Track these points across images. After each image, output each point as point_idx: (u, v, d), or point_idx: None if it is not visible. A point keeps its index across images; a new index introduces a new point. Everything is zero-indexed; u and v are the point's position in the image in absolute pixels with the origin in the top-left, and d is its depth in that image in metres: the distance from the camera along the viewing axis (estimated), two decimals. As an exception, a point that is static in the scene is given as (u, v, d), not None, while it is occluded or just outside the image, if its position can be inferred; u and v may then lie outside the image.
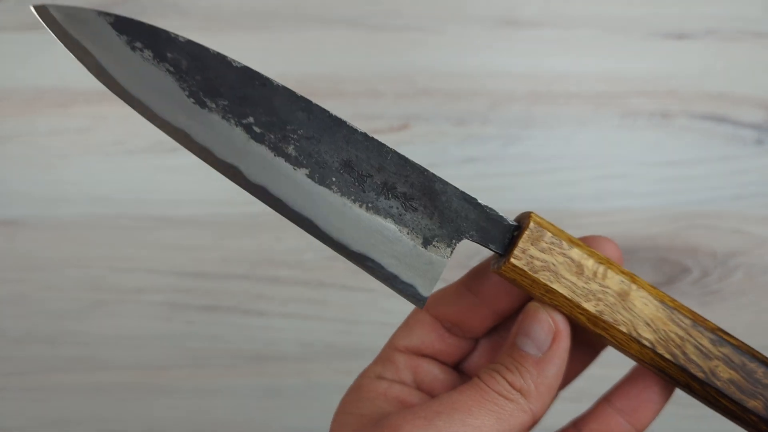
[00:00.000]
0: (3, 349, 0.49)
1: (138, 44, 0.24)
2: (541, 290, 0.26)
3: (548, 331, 0.26)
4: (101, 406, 0.49)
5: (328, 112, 0.25)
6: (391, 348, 0.29)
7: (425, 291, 0.25)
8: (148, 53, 0.24)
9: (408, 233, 0.25)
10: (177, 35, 0.24)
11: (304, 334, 0.49)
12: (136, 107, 0.23)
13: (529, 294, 0.26)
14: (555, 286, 0.26)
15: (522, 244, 0.25)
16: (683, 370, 0.26)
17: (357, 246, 0.25)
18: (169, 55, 0.24)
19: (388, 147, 0.26)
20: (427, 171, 0.26)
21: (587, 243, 0.28)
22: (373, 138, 0.26)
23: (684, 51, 0.51)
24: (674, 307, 0.26)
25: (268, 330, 0.49)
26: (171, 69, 0.24)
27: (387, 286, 0.26)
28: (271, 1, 0.51)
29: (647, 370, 0.28)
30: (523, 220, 0.26)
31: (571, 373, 0.30)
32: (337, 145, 0.25)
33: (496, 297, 0.28)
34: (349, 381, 0.29)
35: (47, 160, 0.50)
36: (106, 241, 0.49)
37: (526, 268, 0.25)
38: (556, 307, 0.26)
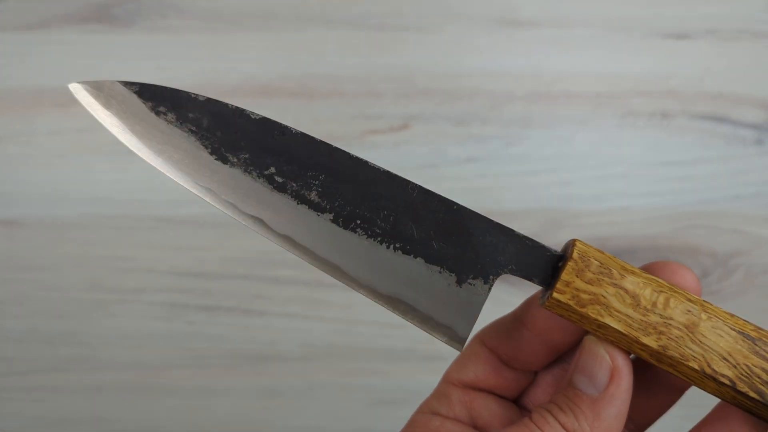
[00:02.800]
0: (3, 349, 0.49)
1: (161, 108, 0.24)
2: (592, 325, 0.24)
3: (606, 368, 0.24)
4: (101, 406, 0.49)
5: (348, 154, 0.24)
6: (445, 382, 0.28)
7: (463, 332, 0.24)
8: (171, 116, 0.24)
9: (440, 272, 0.24)
10: (197, 95, 0.24)
11: (304, 334, 0.49)
12: (165, 170, 0.24)
13: (582, 328, 0.24)
14: (607, 320, 0.23)
15: (565, 276, 0.23)
16: None
17: (387, 289, 0.24)
18: (190, 115, 0.24)
19: (413, 183, 0.25)
20: (456, 204, 0.25)
21: (655, 269, 0.25)
22: (396, 176, 0.25)
23: (684, 51, 0.51)
24: (758, 336, 0.23)
25: (268, 330, 0.49)
26: (193, 128, 0.24)
27: (423, 329, 0.24)
28: (271, 1, 0.51)
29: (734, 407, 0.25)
30: (568, 249, 0.24)
31: (649, 414, 0.28)
32: (360, 186, 0.25)
33: (548, 330, 0.26)
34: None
35: (47, 160, 0.50)
36: (106, 241, 0.49)
37: (572, 303, 0.23)
38: (614, 343, 0.24)
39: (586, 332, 0.25)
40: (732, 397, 0.24)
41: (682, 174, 0.50)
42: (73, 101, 0.53)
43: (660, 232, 0.50)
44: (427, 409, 0.27)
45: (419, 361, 0.49)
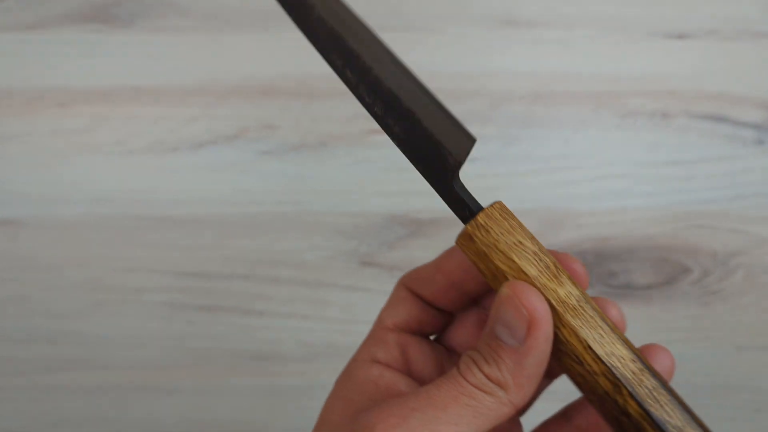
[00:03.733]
0: (3, 349, 0.49)
1: None
2: (501, 264, 0.24)
3: (523, 320, 0.24)
4: (101, 406, 0.49)
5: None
6: (380, 327, 0.29)
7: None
8: None
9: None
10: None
11: (304, 334, 0.49)
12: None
13: (491, 275, 0.25)
14: (515, 259, 0.24)
15: (480, 218, 0.24)
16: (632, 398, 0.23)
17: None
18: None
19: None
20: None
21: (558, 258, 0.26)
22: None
23: (684, 51, 0.51)
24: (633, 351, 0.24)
25: (268, 330, 0.49)
26: None
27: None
28: (271, 1, 0.51)
29: None
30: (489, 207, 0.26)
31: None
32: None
33: (461, 280, 0.27)
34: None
35: (47, 160, 0.50)
36: (106, 241, 0.49)
37: (479, 238, 0.24)
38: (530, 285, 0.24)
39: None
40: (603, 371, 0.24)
41: (682, 174, 0.50)
42: (73, 101, 0.53)
43: (660, 232, 0.50)
44: (366, 356, 0.28)
45: (419, 361, 0.49)
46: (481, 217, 0.24)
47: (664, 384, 0.24)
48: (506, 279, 0.24)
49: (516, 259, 0.24)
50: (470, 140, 0.26)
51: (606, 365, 0.23)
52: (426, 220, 0.49)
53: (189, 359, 0.49)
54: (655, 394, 0.23)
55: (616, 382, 0.23)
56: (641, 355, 0.24)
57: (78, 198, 0.49)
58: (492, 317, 0.25)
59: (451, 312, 0.29)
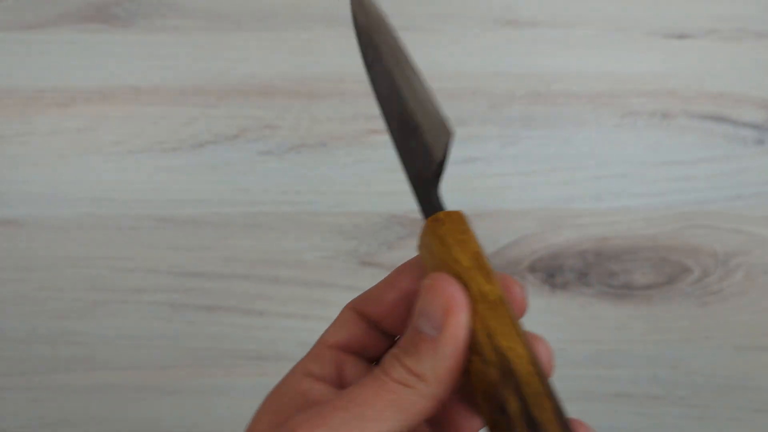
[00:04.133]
0: (3, 349, 0.49)
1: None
2: (441, 253, 0.24)
3: (439, 306, 0.23)
4: (101, 406, 0.49)
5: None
6: (320, 344, 0.28)
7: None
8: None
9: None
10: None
11: (304, 334, 0.49)
12: None
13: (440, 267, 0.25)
14: (460, 257, 0.24)
15: (442, 215, 0.25)
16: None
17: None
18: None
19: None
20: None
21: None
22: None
23: (684, 51, 0.51)
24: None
25: (268, 330, 0.49)
26: None
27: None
28: (272, 1, 0.51)
29: None
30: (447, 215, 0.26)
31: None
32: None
33: (414, 292, 0.27)
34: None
35: (47, 160, 0.50)
36: (106, 241, 0.49)
37: (435, 233, 0.25)
38: (451, 277, 0.24)
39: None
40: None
41: (682, 174, 0.50)
42: (73, 101, 0.53)
43: (660, 232, 0.50)
44: (300, 370, 0.28)
45: (419, 361, 0.49)
46: (442, 214, 0.25)
47: (553, 395, 0.23)
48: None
49: (455, 251, 0.24)
50: (448, 136, 0.26)
51: (503, 356, 0.23)
52: (426, 220, 0.49)
53: (189, 359, 0.49)
54: (539, 399, 0.23)
55: (507, 374, 0.23)
56: (541, 365, 0.24)
57: (78, 198, 0.49)
58: (415, 311, 0.24)
59: (395, 336, 0.29)
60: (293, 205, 0.50)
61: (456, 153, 0.50)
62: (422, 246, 0.26)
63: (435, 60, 0.51)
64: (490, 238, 0.49)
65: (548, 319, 0.50)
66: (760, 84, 0.51)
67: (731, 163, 0.51)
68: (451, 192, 0.50)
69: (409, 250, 0.50)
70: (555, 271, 0.50)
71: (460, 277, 0.24)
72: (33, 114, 0.50)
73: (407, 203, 0.50)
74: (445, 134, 0.25)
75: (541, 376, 0.23)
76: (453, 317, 0.23)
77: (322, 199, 0.50)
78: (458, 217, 0.26)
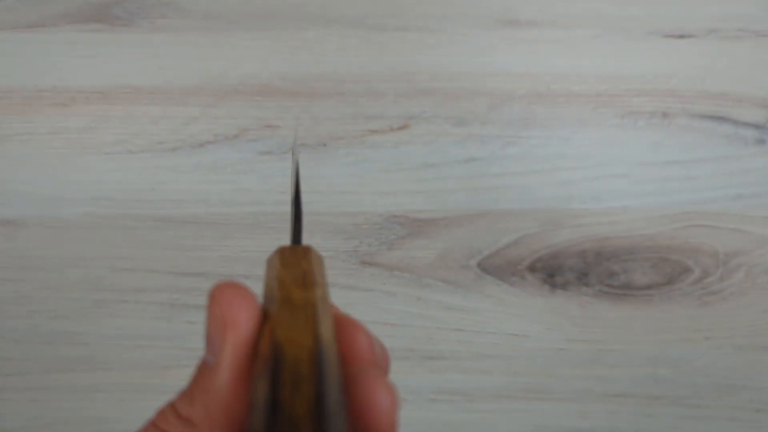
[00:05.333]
0: (3, 349, 0.49)
1: None
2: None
3: (217, 323, 0.19)
4: (101, 406, 0.49)
5: None
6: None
7: None
8: None
9: None
10: None
11: (304, 334, 0.49)
12: None
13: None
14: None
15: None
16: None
17: None
18: None
19: None
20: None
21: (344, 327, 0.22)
22: None
23: (684, 51, 0.51)
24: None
25: (268, 330, 0.49)
26: None
27: None
28: (271, 1, 0.51)
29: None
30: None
31: None
32: None
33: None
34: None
35: (47, 160, 0.50)
36: (106, 241, 0.49)
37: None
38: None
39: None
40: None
41: (682, 174, 0.50)
42: (73, 101, 0.53)
43: (660, 232, 0.50)
44: None
45: (419, 360, 0.49)
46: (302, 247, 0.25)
47: (325, 383, 0.18)
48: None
49: (278, 266, 0.22)
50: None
51: (276, 345, 0.18)
52: (426, 220, 0.49)
53: (189, 359, 0.49)
54: (298, 384, 0.17)
55: (271, 361, 0.18)
56: (334, 360, 0.20)
57: (78, 198, 0.49)
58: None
59: None
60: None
61: (456, 153, 0.50)
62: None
63: (435, 60, 0.51)
64: (490, 238, 0.49)
65: (548, 319, 0.50)
66: (760, 84, 0.51)
67: (731, 163, 0.50)
68: (452, 192, 0.50)
69: (409, 250, 0.50)
70: (555, 271, 0.50)
71: (271, 290, 0.21)
72: (33, 114, 0.50)
73: (407, 203, 0.50)
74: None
75: (321, 366, 0.18)
76: (230, 332, 0.18)
77: (322, 199, 0.50)
78: (308, 251, 0.25)
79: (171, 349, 0.49)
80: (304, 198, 0.50)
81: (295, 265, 0.23)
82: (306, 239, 0.50)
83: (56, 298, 0.49)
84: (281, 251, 0.24)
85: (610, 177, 0.50)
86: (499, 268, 0.49)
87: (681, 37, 0.51)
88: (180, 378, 0.49)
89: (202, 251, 0.49)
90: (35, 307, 0.49)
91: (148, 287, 0.49)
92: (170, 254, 0.49)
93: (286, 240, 0.50)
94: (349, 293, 0.50)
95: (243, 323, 0.18)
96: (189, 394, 0.19)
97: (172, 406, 0.19)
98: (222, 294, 0.19)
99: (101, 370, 0.49)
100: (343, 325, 0.21)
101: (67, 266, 0.49)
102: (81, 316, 0.49)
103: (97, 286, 0.49)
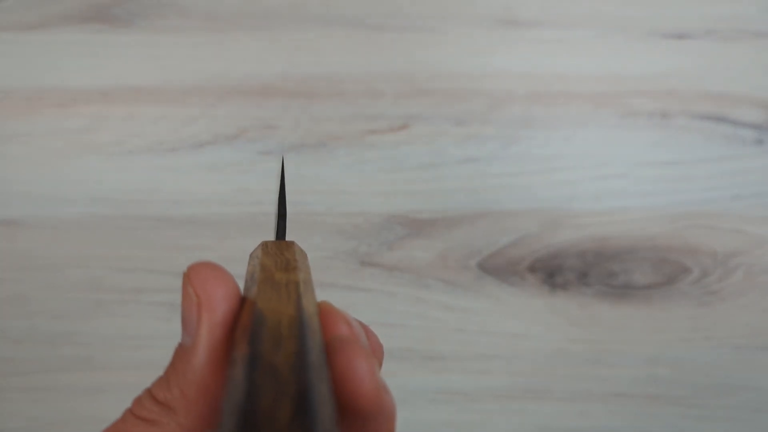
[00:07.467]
0: (3, 349, 0.49)
1: None
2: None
3: (191, 303, 0.18)
4: (101, 406, 0.49)
5: None
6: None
7: None
8: None
9: None
10: None
11: (304, 334, 0.49)
12: None
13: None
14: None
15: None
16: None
17: None
18: None
19: None
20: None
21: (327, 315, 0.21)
22: None
23: (684, 51, 0.51)
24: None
25: (268, 330, 0.49)
26: None
27: None
28: (271, 1, 0.51)
29: None
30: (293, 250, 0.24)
31: None
32: None
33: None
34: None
35: (47, 160, 0.50)
36: (106, 241, 0.49)
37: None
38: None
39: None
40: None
41: (682, 174, 0.50)
42: (73, 101, 0.53)
43: (660, 232, 0.50)
44: None
45: (419, 361, 0.49)
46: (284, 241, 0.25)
47: (306, 345, 0.17)
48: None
49: (263, 253, 0.22)
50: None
51: (257, 313, 0.18)
52: (426, 220, 0.49)
53: (189, 359, 0.49)
54: (279, 342, 0.17)
55: (251, 325, 0.18)
56: (317, 331, 0.19)
57: (78, 198, 0.49)
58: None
59: None
60: (293, 205, 0.50)
61: (456, 153, 0.50)
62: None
63: (435, 60, 0.51)
64: (490, 238, 0.49)
65: (548, 319, 0.50)
66: (760, 84, 0.51)
67: (731, 163, 0.51)
68: (452, 192, 0.50)
69: (409, 250, 0.50)
70: (555, 271, 0.50)
71: (252, 275, 0.20)
72: (33, 114, 0.50)
73: (407, 203, 0.50)
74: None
75: (302, 329, 0.18)
76: (206, 313, 0.18)
77: (322, 199, 0.50)
78: (291, 244, 0.25)
79: (171, 349, 0.49)
80: (304, 198, 0.50)
81: (278, 255, 0.22)
82: (306, 239, 0.50)
83: (56, 298, 0.49)
84: (264, 244, 0.24)
85: (609, 177, 0.50)
86: (499, 268, 0.50)
87: (680, 37, 0.51)
88: (180, 378, 0.49)
89: (202, 251, 0.49)
90: (35, 307, 0.49)
91: (148, 287, 0.49)
92: (170, 254, 0.49)
93: (286, 240, 0.50)
94: (349, 293, 0.50)
95: (219, 303, 0.18)
96: (165, 378, 0.19)
97: (148, 392, 0.19)
98: (197, 274, 0.18)
99: (101, 370, 0.49)
100: (326, 311, 0.20)
101: (67, 266, 0.49)
102: (81, 316, 0.49)
103: (97, 286, 0.49)
